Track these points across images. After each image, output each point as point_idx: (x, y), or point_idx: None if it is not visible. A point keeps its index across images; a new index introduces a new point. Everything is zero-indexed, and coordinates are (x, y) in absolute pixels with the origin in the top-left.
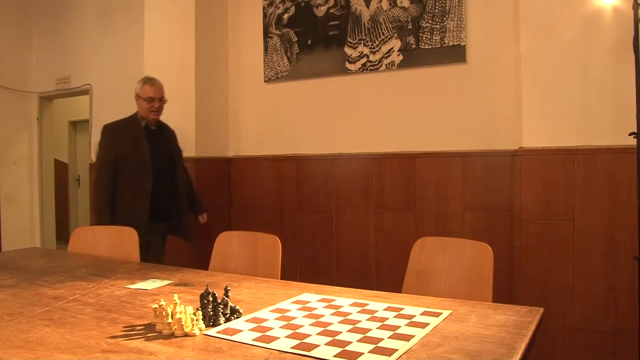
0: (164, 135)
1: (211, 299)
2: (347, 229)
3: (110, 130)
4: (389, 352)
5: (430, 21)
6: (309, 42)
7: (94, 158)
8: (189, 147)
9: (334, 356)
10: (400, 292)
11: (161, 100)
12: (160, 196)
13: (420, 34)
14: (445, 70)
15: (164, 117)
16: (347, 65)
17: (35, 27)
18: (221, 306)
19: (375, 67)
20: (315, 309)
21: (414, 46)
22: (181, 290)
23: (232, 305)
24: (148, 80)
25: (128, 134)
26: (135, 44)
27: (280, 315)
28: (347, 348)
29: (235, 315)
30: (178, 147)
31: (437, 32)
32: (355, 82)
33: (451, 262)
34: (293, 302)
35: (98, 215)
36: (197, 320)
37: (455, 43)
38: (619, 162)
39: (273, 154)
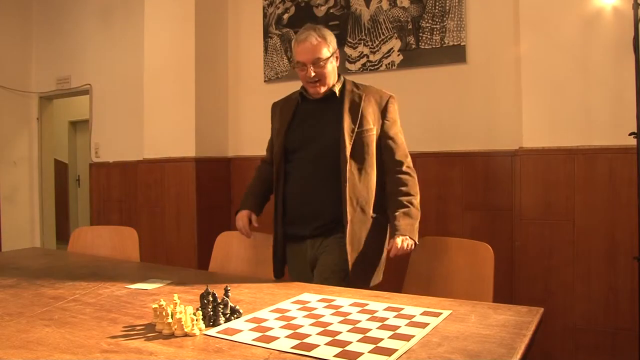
0: (335, 108)
1: (211, 299)
2: None
3: (273, 108)
4: (389, 352)
5: (430, 21)
6: None
7: (94, 158)
8: (189, 147)
9: (334, 356)
10: (400, 292)
11: (317, 65)
12: (305, 197)
13: (420, 34)
14: (445, 70)
15: (164, 117)
16: (347, 65)
17: (35, 27)
18: (221, 306)
19: (375, 67)
20: (315, 309)
21: (414, 46)
22: (181, 290)
23: (232, 305)
24: (298, 37)
25: (280, 111)
26: (135, 43)
27: (280, 315)
28: (347, 348)
29: (235, 315)
30: (367, 120)
31: (437, 32)
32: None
33: (452, 262)
34: (293, 302)
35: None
36: (197, 320)
37: (455, 43)
38: (619, 162)
39: None
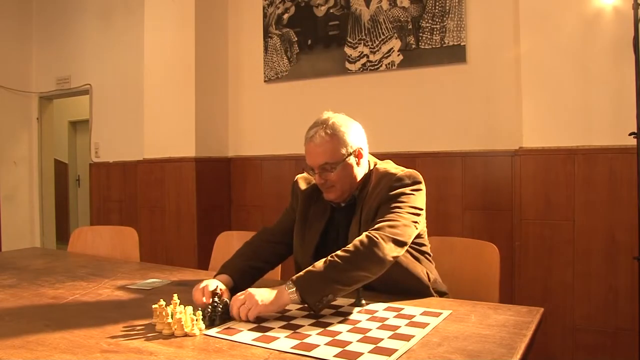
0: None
1: (216, 299)
2: None
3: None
4: (389, 352)
5: (430, 21)
6: (309, 42)
7: (94, 158)
8: (189, 147)
9: (334, 356)
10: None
11: (325, 169)
12: None
13: (420, 34)
14: (445, 70)
15: (164, 117)
16: (347, 65)
17: (35, 28)
18: (221, 306)
19: (375, 67)
20: None
21: (414, 46)
22: (181, 290)
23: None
24: (306, 134)
25: (306, 207)
26: (135, 44)
27: (281, 315)
28: (347, 348)
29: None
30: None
31: (437, 32)
32: (355, 82)
33: (457, 262)
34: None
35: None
36: (197, 320)
37: (455, 43)
38: (619, 162)
39: (273, 154)
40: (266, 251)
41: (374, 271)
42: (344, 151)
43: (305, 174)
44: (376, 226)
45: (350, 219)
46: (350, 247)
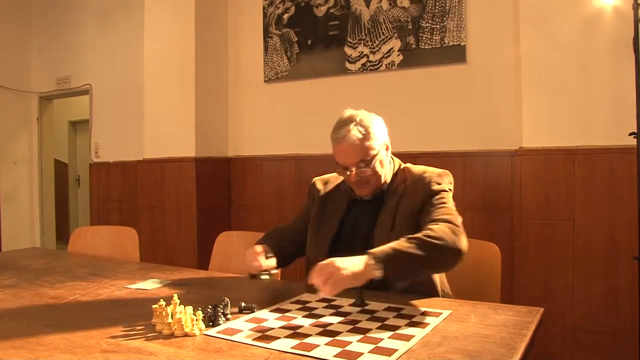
0: (380, 208)
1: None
2: None
3: (311, 189)
4: (389, 352)
5: (430, 21)
6: (309, 42)
7: (94, 158)
8: (189, 147)
9: (334, 356)
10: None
11: (360, 167)
12: None
13: (420, 34)
14: (445, 70)
15: (164, 117)
16: (347, 65)
17: (35, 28)
18: (221, 306)
19: (375, 67)
20: (316, 309)
21: (414, 46)
22: (181, 290)
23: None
24: (334, 133)
25: (323, 205)
26: (135, 44)
27: (280, 315)
28: (347, 348)
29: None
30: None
31: (437, 32)
32: (355, 82)
33: None
34: (293, 302)
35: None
36: (197, 320)
37: (455, 43)
38: (619, 162)
39: (273, 154)
40: (280, 246)
41: (450, 263)
42: (376, 146)
43: (323, 176)
44: (445, 219)
45: (376, 211)
46: (434, 232)
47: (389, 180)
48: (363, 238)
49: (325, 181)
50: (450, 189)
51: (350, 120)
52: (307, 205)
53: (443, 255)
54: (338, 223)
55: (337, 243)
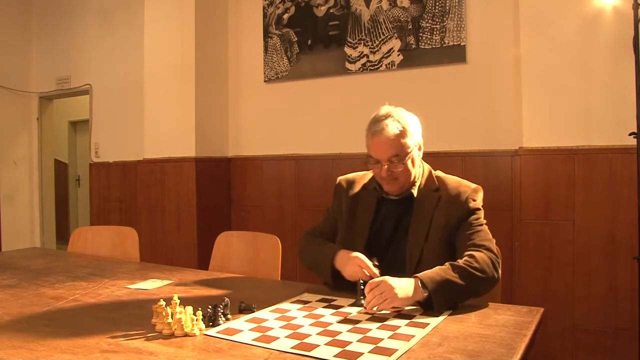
0: (412, 211)
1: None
2: None
3: (337, 189)
4: (389, 352)
5: (430, 21)
6: (309, 42)
7: (94, 158)
8: (189, 147)
9: (334, 356)
10: None
11: (392, 162)
12: None
13: (420, 34)
14: (445, 70)
15: (164, 117)
16: (347, 65)
17: (35, 28)
18: (221, 306)
19: (375, 67)
20: (315, 309)
21: (414, 46)
22: (181, 290)
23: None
24: (372, 127)
25: (352, 204)
26: (135, 43)
27: (280, 315)
28: (347, 348)
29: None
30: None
31: (437, 32)
32: (355, 82)
33: None
34: (293, 302)
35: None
36: (197, 320)
37: (455, 43)
38: (619, 162)
39: (273, 154)
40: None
41: (486, 292)
42: (411, 144)
43: (346, 176)
44: (484, 245)
45: (403, 213)
46: (477, 263)
47: (418, 181)
48: (387, 238)
49: (351, 180)
50: (482, 206)
51: (389, 115)
52: (333, 206)
53: (483, 285)
54: (370, 222)
55: (374, 241)
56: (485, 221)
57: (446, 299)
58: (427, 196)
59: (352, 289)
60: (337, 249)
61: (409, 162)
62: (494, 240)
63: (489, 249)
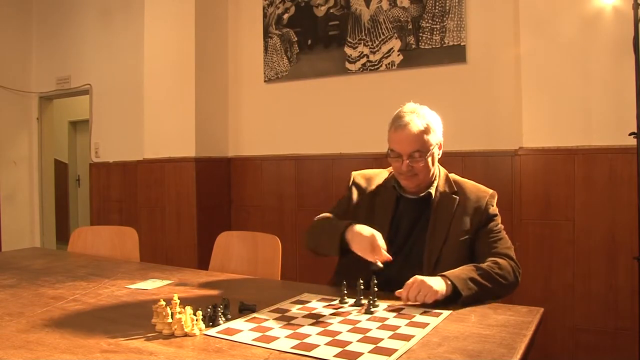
0: (427, 217)
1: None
2: None
3: (354, 183)
4: (389, 352)
5: (430, 21)
6: (309, 42)
7: (94, 158)
8: (189, 147)
9: (334, 356)
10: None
11: (414, 157)
12: None
13: (420, 34)
14: (445, 70)
15: (164, 117)
16: (347, 65)
17: (35, 27)
18: (221, 306)
19: (375, 67)
20: (315, 309)
21: (414, 46)
22: (181, 290)
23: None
24: (396, 121)
25: (371, 202)
26: (135, 43)
27: (280, 315)
28: (347, 348)
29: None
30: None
31: (437, 32)
32: (355, 82)
33: None
34: (293, 302)
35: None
36: (197, 320)
37: (455, 43)
38: (619, 162)
39: (273, 154)
40: None
41: (505, 296)
42: (433, 141)
43: (362, 171)
44: (507, 254)
45: (420, 213)
46: (501, 269)
47: (435, 182)
48: (404, 236)
49: (367, 177)
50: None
51: (414, 111)
52: (347, 197)
53: (504, 289)
54: (390, 219)
55: (395, 239)
56: (502, 226)
57: (470, 296)
58: (446, 198)
59: (351, 289)
60: (353, 222)
61: (429, 160)
62: (512, 246)
63: (511, 258)
